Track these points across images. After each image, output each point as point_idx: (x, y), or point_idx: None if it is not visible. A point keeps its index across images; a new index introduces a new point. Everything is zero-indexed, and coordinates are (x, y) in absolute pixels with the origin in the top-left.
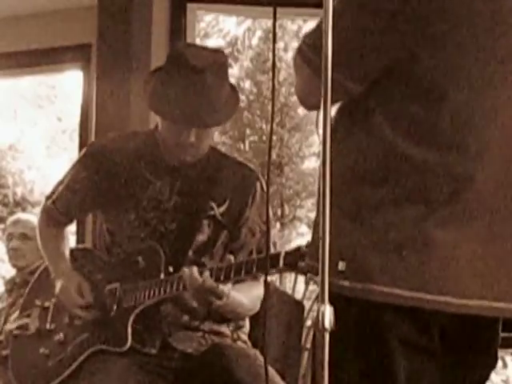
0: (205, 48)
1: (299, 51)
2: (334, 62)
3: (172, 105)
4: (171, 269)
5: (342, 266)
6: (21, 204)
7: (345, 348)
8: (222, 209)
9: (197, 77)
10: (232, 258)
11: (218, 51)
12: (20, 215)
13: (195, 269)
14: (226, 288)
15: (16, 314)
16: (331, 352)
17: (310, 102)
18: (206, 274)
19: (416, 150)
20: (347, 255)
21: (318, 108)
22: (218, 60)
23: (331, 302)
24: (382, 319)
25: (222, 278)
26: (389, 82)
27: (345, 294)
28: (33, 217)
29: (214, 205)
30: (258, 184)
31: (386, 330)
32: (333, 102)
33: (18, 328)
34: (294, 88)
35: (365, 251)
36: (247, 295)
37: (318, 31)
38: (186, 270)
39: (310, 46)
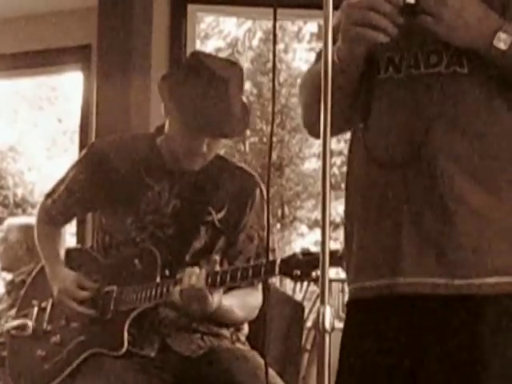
0: (225, 59)
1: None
2: None
3: (192, 112)
4: (167, 272)
5: None
6: (21, 205)
7: None
8: (221, 215)
9: (221, 87)
10: (217, 258)
11: (236, 64)
12: (9, 220)
13: (195, 269)
14: (216, 300)
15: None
16: None
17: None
18: (202, 277)
19: None
20: None
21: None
22: (237, 72)
23: None
24: None
25: (217, 282)
26: None
27: None
28: (17, 219)
29: (212, 210)
30: (258, 190)
31: None
32: None
33: (15, 328)
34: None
35: None
36: (242, 305)
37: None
38: (184, 271)
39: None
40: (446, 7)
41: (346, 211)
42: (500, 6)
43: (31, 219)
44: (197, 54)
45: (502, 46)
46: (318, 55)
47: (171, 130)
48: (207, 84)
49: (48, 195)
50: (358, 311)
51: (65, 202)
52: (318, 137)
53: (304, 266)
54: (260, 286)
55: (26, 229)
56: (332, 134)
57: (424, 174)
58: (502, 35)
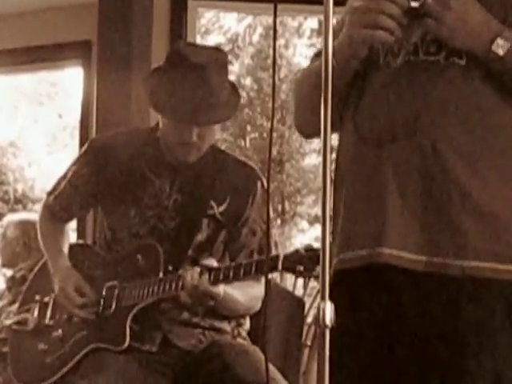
0: (205, 46)
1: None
2: None
3: (173, 103)
4: (170, 267)
5: None
6: (21, 201)
7: None
8: (222, 208)
9: (197, 74)
10: (214, 260)
11: (218, 49)
12: (8, 216)
13: (196, 269)
14: (221, 289)
15: (15, 308)
16: None
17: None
18: (204, 276)
19: None
20: None
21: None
22: (218, 57)
23: None
24: None
25: (220, 278)
26: None
27: None
28: (15, 216)
29: (213, 204)
30: (259, 183)
31: None
32: None
33: (17, 323)
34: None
35: None
36: (245, 294)
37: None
38: (185, 269)
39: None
40: (448, 11)
41: (335, 189)
42: (502, 11)
43: (29, 215)
44: (176, 46)
45: (500, 51)
46: (315, 55)
47: (163, 124)
48: (184, 73)
49: (50, 192)
50: (341, 282)
51: (67, 198)
52: (307, 137)
53: (307, 261)
54: (262, 279)
55: (23, 225)
56: (318, 135)
57: (414, 152)
58: (500, 41)
